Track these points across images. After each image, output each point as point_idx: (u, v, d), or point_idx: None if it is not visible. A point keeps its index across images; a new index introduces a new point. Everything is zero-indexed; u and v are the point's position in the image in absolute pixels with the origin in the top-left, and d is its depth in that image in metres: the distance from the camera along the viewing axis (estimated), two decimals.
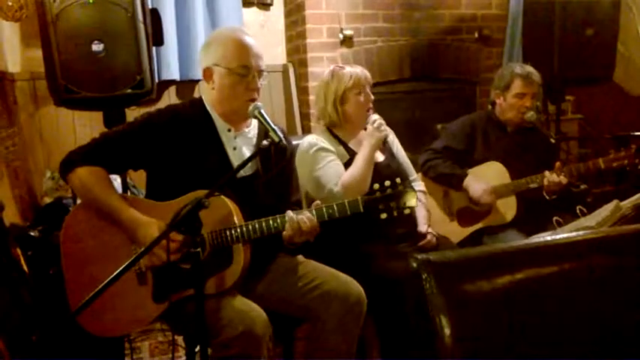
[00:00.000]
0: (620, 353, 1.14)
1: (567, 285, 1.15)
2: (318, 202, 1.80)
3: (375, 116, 2.23)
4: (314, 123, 3.39)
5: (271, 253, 1.91)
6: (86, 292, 1.34)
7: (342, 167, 2.18)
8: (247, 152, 1.87)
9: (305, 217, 1.70)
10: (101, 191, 1.74)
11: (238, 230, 1.70)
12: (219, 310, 1.65)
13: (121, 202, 1.74)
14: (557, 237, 1.26)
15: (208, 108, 1.87)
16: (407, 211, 1.71)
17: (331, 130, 2.30)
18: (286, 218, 1.71)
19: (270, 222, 1.72)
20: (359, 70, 2.26)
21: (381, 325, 2.13)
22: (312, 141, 2.23)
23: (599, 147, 3.22)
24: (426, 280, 1.01)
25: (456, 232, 2.60)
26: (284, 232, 1.73)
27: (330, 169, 2.16)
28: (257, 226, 1.71)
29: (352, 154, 2.23)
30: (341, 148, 2.25)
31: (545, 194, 2.46)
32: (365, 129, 2.29)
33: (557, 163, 2.42)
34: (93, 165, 1.76)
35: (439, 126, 2.93)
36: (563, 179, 2.39)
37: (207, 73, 1.84)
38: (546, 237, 1.29)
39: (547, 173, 2.41)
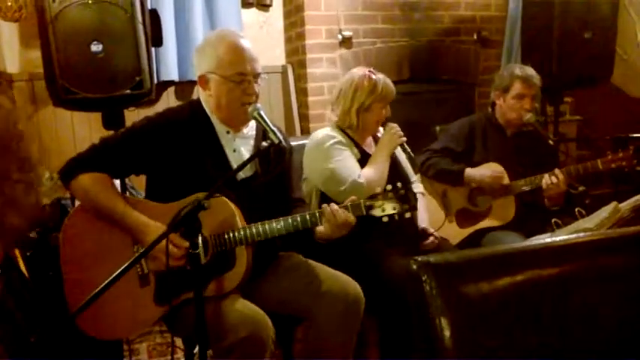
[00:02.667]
0: (620, 355, 1.14)
1: (567, 287, 1.15)
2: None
3: (391, 124, 2.28)
4: (314, 124, 3.40)
5: (272, 253, 1.91)
6: (85, 294, 1.33)
7: (357, 163, 2.20)
8: (246, 153, 1.87)
9: (341, 211, 1.72)
10: (106, 198, 1.74)
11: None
12: (223, 313, 1.65)
13: (126, 207, 1.73)
14: (557, 239, 1.26)
15: (207, 110, 1.86)
16: (407, 215, 1.75)
17: (343, 130, 2.29)
18: (319, 214, 1.73)
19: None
20: (391, 85, 2.26)
21: (382, 327, 2.13)
22: (329, 133, 2.24)
23: (598, 149, 3.22)
24: (426, 282, 1.01)
25: (455, 233, 2.60)
26: (321, 228, 1.75)
27: (349, 161, 2.18)
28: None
29: (363, 154, 2.26)
30: (354, 148, 2.26)
31: (546, 202, 2.46)
32: (373, 136, 2.33)
33: (556, 169, 2.42)
34: (95, 171, 1.75)
35: (438, 127, 2.93)
36: (561, 183, 2.39)
37: (203, 81, 1.82)
38: (546, 239, 1.30)
39: (546, 175, 2.42)
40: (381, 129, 2.31)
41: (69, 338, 2.05)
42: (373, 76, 2.23)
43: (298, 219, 1.73)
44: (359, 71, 2.27)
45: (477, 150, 2.65)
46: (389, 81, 2.27)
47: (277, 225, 1.72)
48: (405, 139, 2.27)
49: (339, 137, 2.23)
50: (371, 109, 2.23)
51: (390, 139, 2.25)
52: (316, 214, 1.74)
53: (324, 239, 1.81)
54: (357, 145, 2.28)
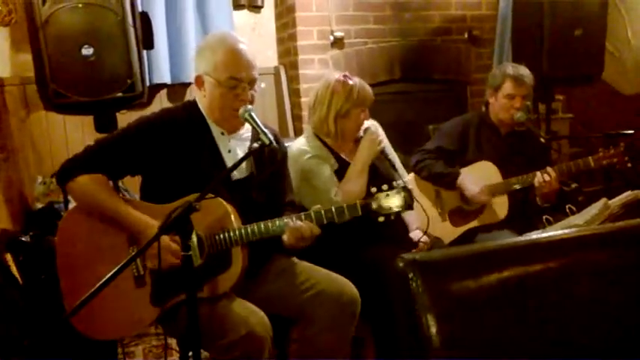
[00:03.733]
0: (611, 350, 1.14)
1: (555, 283, 1.15)
2: (318, 206, 1.78)
3: (372, 128, 2.23)
4: (307, 124, 3.39)
5: (267, 254, 1.91)
6: (82, 295, 1.33)
7: (334, 175, 2.17)
8: (242, 154, 1.87)
9: (305, 225, 1.71)
10: (105, 197, 1.74)
11: (237, 233, 1.70)
12: (223, 313, 1.66)
13: (126, 206, 1.74)
14: (543, 235, 1.27)
15: (202, 111, 1.87)
16: (403, 213, 1.75)
17: (320, 138, 2.26)
18: (285, 224, 1.71)
19: (270, 225, 1.72)
20: (367, 88, 2.20)
21: (376, 328, 2.13)
22: (303, 148, 2.19)
23: (590, 146, 3.23)
24: (412, 280, 1.01)
25: (448, 231, 2.61)
26: (284, 239, 1.73)
27: (326, 177, 2.14)
28: (256, 229, 1.71)
29: (342, 163, 2.22)
30: (331, 156, 2.22)
31: (538, 200, 2.47)
32: (355, 141, 2.28)
33: (548, 167, 2.43)
34: (93, 172, 1.75)
35: (430, 127, 2.94)
36: (554, 180, 2.40)
37: (199, 81, 1.83)
38: (532, 235, 1.30)
39: (538, 173, 2.43)
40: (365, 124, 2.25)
41: (64, 342, 2.05)
42: (349, 81, 2.17)
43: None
44: (334, 76, 2.22)
45: (470, 149, 2.65)
46: (365, 84, 2.21)
47: (272, 226, 1.73)
48: (383, 145, 2.23)
49: (314, 151, 2.18)
50: (349, 114, 2.17)
51: (370, 147, 2.19)
52: (277, 222, 1.73)
53: (288, 248, 1.78)
54: (335, 154, 2.23)
